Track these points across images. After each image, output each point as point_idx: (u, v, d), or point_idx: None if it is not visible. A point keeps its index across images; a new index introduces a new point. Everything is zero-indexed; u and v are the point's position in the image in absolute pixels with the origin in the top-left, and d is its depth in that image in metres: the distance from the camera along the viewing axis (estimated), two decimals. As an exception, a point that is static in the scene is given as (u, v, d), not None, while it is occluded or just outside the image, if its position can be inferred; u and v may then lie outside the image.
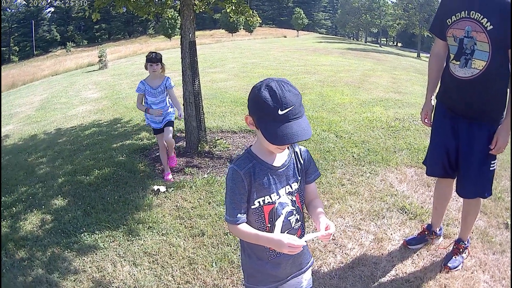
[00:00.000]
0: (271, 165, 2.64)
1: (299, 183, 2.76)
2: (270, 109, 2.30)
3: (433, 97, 4.68)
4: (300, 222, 2.81)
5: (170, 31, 69.17)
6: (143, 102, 7.14)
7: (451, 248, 4.86)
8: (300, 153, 2.80)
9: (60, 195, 6.87)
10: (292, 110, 2.31)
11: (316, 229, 2.62)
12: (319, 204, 2.84)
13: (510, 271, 4.50)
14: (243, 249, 2.93)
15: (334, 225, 5.46)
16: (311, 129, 2.42)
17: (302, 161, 2.79)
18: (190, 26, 7.88)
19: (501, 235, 5.37)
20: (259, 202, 2.64)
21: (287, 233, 2.65)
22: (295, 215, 2.74)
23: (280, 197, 2.67)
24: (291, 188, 2.72)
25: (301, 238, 2.58)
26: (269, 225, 2.69)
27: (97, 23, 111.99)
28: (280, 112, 2.29)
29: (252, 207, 2.65)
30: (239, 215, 2.60)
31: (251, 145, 2.74)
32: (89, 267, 4.94)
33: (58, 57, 71.55)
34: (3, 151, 10.23)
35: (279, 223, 2.62)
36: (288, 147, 2.73)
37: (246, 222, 2.66)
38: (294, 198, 2.74)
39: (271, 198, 2.65)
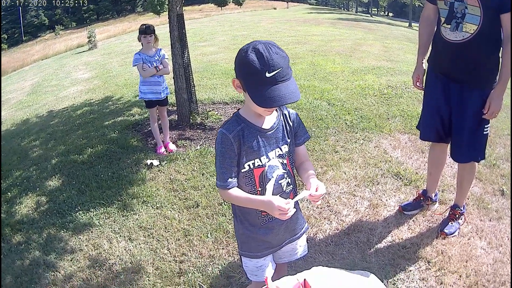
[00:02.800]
0: (260, 128, 2.62)
1: (289, 145, 2.75)
2: (258, 71, 2.28)
3: (425, 61, 4.66)
4: (291, 186, 2.80)
5: (159, 8, 68.59)
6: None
7: (447, 214, 4.86)
8: (289, 115, 2.78)
9: (54, 176, 6.84)
10: (280, 72, 2.28)
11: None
12: (309, 166, 2.84)
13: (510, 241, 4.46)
14: (235, 216, 2.93)
15: (328, 191, 5.50)
16: (299, 91, 2.39)
17: (291, 123, 2.77)
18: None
19: (497, 201, 5.37)
20: (249, 165, 2.63)
21: (279, 196, 2.62)
22: (286, 178, 2.74)
23: (270, 159, 2.66)
24: (281, 150, 2.71)
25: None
26: (260, 188, 2.68)
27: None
28: (267, 75, 2.27)
29: (242, 170, 2.64)
30: (229, 179, 2.60)
31: (239, 109, 2.71)
32: (85, 246, 4.94)
33: (47, 41, 70.94)
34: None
35: (270, 187, 2.61)
36: (276, 110, 2.71)
37: (237, 187, 2.65)
38: (284, 161, 2.73)
39: (261, 161, 2.64)
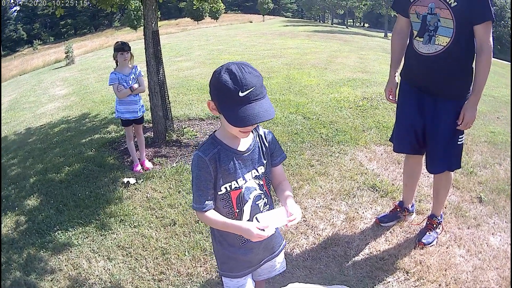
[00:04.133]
0: (236, 150, 2.62)
1: (265, 166, 2.75)
2: (231, 91, 2.28)
3: (397, 74, 4.67)
4: (268, 206, 2.80)
5: (136, 23, 68.01)
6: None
7: (424, 224, 4.89)
8: (265, 136, 2.79)
9: (33, 195, 6.77)
10: (253, 92, 2.29)
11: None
12: (287, 187, 2.84)
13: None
14: (214, 237, 2.93)
15: (304, 205, 5.51)
16: (273, 109, 2.40)
17: (267, 144, 2.78)
18: (152, 16, 7.73)
19: (475, 209, 5.42)
20: (225, 188, 2.63)
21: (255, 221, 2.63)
22: (263, 199, 2.75)
23: (246, 181, 2.67)
24: (258, 172, 2.72)
25: None
26: (237, 210, 2.69)
27: (62, 19, 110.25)
28: (240, 94, 2.27)
29: (219, 193, 2.64)
30: (206, 202, 2.60)
31: (215, 131, 2.71)
32: (65, 266, 4.89)
33: (25, 56, 70.31)
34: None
35: (247, 208, 2.65)
36: (252, 131, 2.70)
37: (214, 209, 2.65)
38: (261, 182, 2.74)
39: (237, 183, 2.64)
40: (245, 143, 2.67)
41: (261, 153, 2.73)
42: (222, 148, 2.60)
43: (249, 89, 2.27)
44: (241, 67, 2.31)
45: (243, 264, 2.89)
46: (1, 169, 8.14)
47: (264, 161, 2.75)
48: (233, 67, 2.31)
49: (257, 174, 2.71)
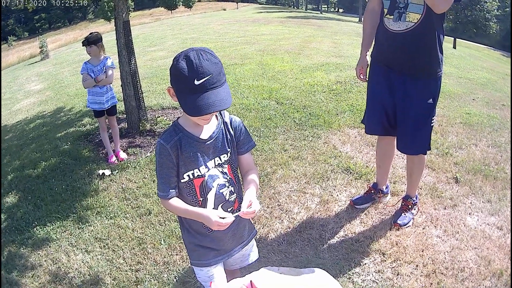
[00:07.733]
0: (198, 138, 2.59)
1: (229, 154, 2.72)
2: (187, 79, 2.26)
3: (369, 53, 4.65)
4: (235, 194, 2.78)
5: (110, 14, 67.16)
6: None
7: (399, 206, 4.89)
8: (231, 123, 2.74)
9: (11, 192, 6.72)
10: (209, 80, 2.26)
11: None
12: (251, 177, 2.81)
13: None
14: (181, 224, 2.90)
15: (278, 190, 5.54)
16: (231, 98, 2.38)
17: (232, 132, 2.73)
18: (123, 6, 7.66)
19: (451, 189, 5.45)
20: (188, 175, 2.61)
21: (221, 206, 2.67)
22: (228, 187, 2.72)
23: (209, 169, 2.64)
24: (220, 160, 2.69)
25: (238, 209, 2.60)
26: (201, 198, 2.66)
27: (36, 13, 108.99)
28: (196, 82, 2.25)
29: (182, 181, 2.62)
30: (170, 190, 2.59)
31: (178, 117, 2.67)
32: (45, 261, 4.86)
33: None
34: None
35: (211, 197, 2.63)
36: (216, 117, 2.69)
37: (178, 197, 2.64)
38: (225, 170, 2.71)
39: (200, 171, 2.61)
40: (208, 130, 2.63)
41: (225, 140, 2.69)
42: (184, 135, 2.57)
43: (205, 77, 2.25)
44: (199, 53, 2.28)
45: (211, 252, 2.85)
46: (1, 167, 8.06)
47: (228, 149, 2.72)
48: (191, 54, 2.28)
49: (220, 162, 2.69)
